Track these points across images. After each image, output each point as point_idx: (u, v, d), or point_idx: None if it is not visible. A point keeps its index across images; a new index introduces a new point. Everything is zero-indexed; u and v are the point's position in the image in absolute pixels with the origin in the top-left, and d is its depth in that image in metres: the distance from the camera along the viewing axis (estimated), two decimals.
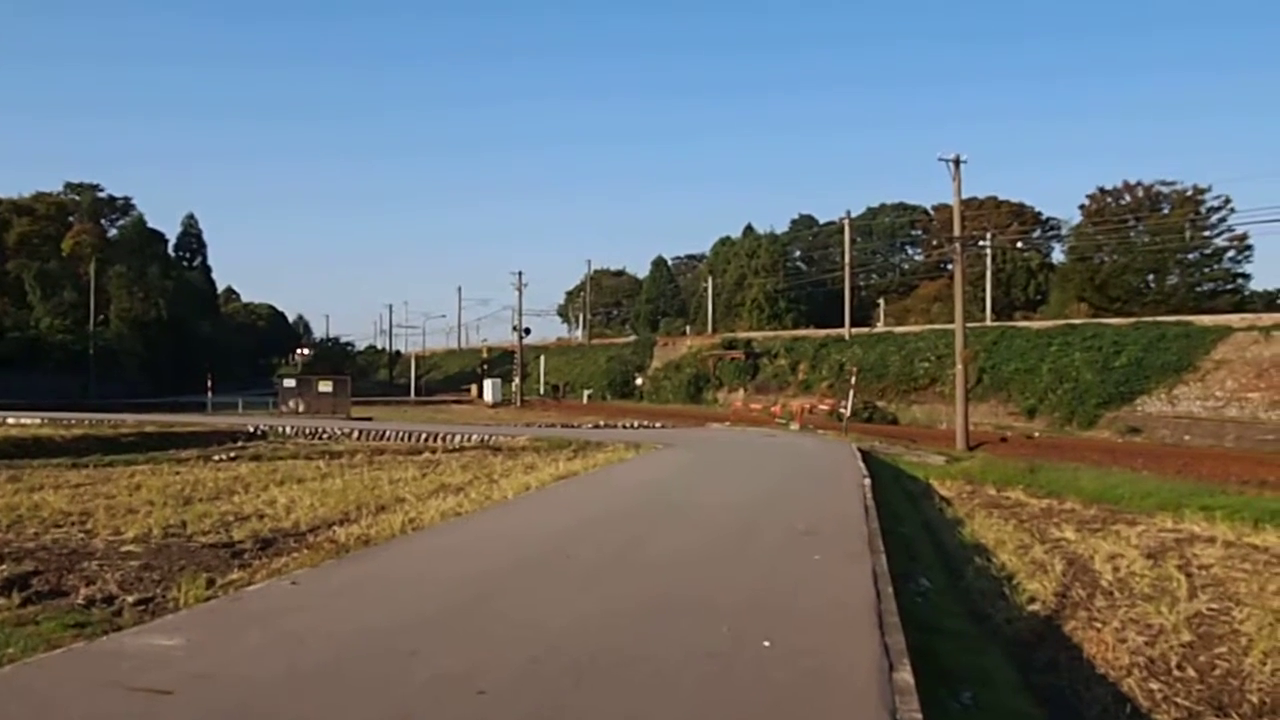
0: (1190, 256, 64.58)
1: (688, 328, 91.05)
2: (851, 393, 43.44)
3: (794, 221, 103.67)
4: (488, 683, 5.16)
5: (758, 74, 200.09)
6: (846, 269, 66.93)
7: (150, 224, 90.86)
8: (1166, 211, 64.70)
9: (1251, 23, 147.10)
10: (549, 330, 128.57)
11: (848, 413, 41.33)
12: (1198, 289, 63.59)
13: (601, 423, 45.30)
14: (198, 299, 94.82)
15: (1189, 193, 64.02)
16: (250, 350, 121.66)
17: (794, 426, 39.91)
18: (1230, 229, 61.92)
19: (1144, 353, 44.03)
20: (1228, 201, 62.00)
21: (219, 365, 77.42)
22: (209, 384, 60.20)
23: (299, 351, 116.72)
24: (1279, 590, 10.29)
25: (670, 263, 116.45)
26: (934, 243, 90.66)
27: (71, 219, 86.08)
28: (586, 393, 78.60)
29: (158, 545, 11.39)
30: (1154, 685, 7.36)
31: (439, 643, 6.04)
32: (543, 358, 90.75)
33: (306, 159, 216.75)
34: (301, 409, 51.67)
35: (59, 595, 8.87)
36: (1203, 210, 63.26)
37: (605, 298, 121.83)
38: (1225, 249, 63.60)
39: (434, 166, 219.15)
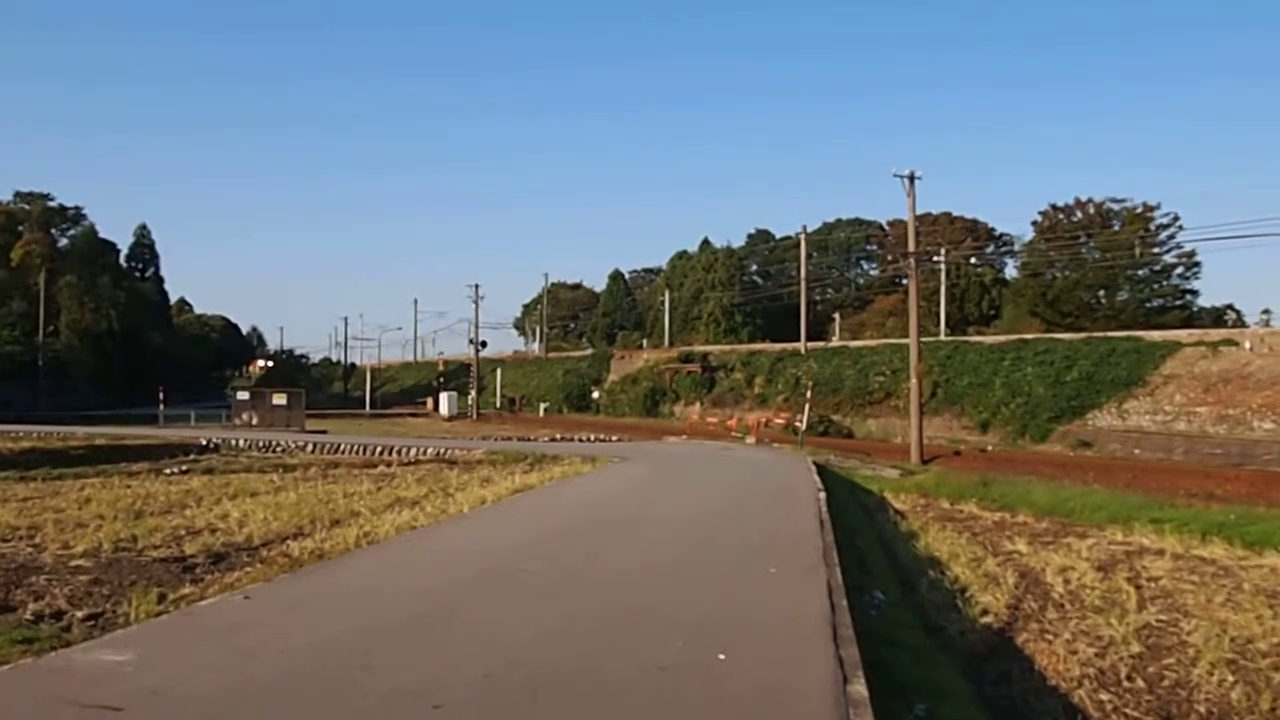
0: (1140, 273, 65.85)
1: (644, 341, 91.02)
2: (807, 406, 43.62)
3: (750, 236, 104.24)
4: (443, 697, 5.14)
5: (714, 87, 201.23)
6: (802, 283, 67.25)
7: (102, 234, 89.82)
8: (1117, 228, 65.84)
9: (1206, 34, 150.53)
10: (505, 343, 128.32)
11: (803, 426, 41.44)
12: (1147, 305, 64.83)
13: (558, 436, 45.19)
14: (150, 310, 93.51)
15: (1139, 210, 65.33)
16: (203, 362, 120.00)
17: (750, 440, 40.03)
18: (1179, 246, 63.39)
19: (1095, 368, 44.63)
20: (1176, 219, 63.52)
21: (171, 377, 76.25)
22: (161, 396, 59.31)
23: (253, 364, 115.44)
24: (1226, 602, 10.47)
25: (627, 276, 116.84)
26: (889, 258, 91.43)
27: (21, 228, 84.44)
28: (543, 406, 78.28)
29: (108, 560, 11.22)
30: (1104, 696, 7.46)
31: (394, 657, 6.01)
32: (499, 371, 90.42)
33: (260, 171, 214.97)
34: (255, 422, 51.10)
35: (6, 610, 8.72)
36: (1152, 227, 64.51)
37: (562, 311, 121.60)
38: (1174, 266, 65.03)
39: (390, 179, 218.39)
